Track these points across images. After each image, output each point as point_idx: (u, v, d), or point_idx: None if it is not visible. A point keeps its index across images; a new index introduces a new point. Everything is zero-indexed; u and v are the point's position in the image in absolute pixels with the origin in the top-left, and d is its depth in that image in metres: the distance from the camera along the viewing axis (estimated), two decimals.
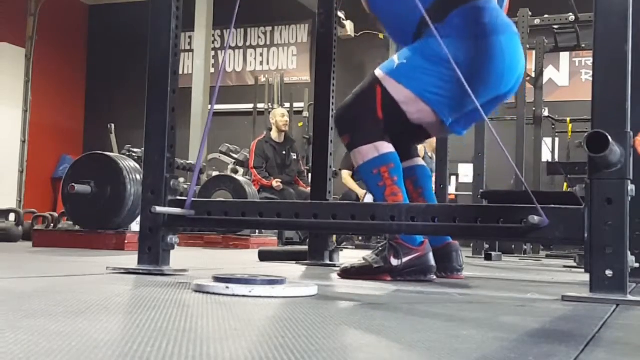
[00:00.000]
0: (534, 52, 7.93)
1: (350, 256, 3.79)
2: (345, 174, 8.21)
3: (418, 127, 2.56)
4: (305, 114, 10.30)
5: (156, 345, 0.94)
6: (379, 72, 2.56)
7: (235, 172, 7.90)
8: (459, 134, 2.63)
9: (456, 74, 2.23)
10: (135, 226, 4.28)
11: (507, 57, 2.47)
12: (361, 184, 8.05)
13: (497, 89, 2.49)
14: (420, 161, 2.85)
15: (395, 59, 2.55)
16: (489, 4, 2.51)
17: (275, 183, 7.56)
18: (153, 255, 2.26)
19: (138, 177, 4.23)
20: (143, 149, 2.38)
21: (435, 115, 2.49)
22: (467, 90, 2.22)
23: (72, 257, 3.44)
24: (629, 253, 1.75)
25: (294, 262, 3.38)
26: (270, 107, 10.49)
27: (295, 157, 8.02)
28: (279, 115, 8.01)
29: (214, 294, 1.64)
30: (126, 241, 4.22)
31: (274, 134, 7.95)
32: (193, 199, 2.30)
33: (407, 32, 2.55)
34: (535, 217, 1.84)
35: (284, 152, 7.91)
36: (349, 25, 10.11)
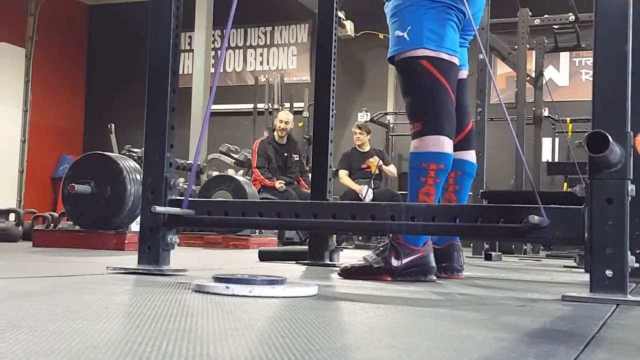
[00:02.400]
0: (534, 52, 7.93)
1: (350, 256, 3.79)
2: (342, 174, 8.20)
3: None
4: (305, 114, 10.31)
5: (156, 345, 0.94)
6: (407, 54, 2.54)
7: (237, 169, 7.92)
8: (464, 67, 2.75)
9: (443, 6, 2.50)
10: (135, 226, 4.28)
11: None
12: (359, 182, 8.06)
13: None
14: (473, 157, 2.84)
15: (398, 33, 2.55)
16: None
17: (279, 184, 7.54)
18: (153, 255, 2.26)
19: (138, 177, 4.23)
20: (143, 149, 2.38)
21: (440, 52, 2.54)
22: (454, 18, 2.52)
23: (72, 257, 3.44)
24: (629, 253, 1.75)
25: (294, 262, 3.38)
26: (271, 107, 10.51)
27: (297, 159, 8.01)
28: (278, 120, 8.00)
29: (214, 294, 1.64)
30: (126, 241, 4.22)
31: (276, 135, 7.96)
32: (193, 199, 2.30)
33: None
34: (535, 217, 1.84)
35: (286, 154, 7.91)
36: (349, 25, 10.11)
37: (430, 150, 2.47)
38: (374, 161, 8.04)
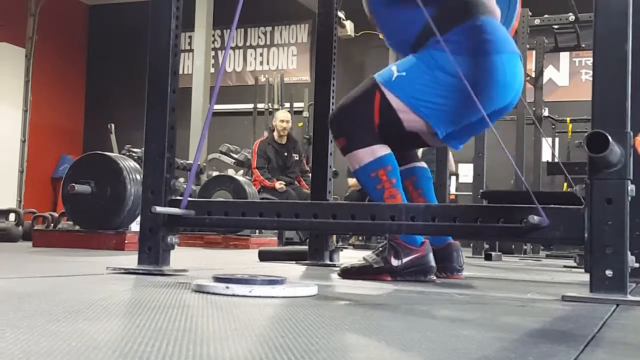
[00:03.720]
0: (534, 52, 7.92)
1: (350, 256, 3.79)
2: (352, 182, 8.15)
3: (414, 134, 2.53)
4: (305, 114, 10.30)
5: (156, 345, 0.94)
6: (379, 79, 2.53)
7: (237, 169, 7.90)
8: (456, 148, 2.66)
9: (453, 88, 2.36)
10: (135, 226, 4.28)
11: (508, 74, 2.46)
12: None
13: (495, 103, 2.47)
14: (420, 164, 2.85)
15: (394, 69, 2.51)
16: (491, 22, 2.51)
17: (279, 185, 7.55)
18: (153, 255, 2.26)
19: (138, 177, 4.23)
20: (143, 149, 2.38)
21: (428, 126, 2.48)
22: (462, 105, 2.35)
23: (72, 257, 3.44)
24: (629, 253, 1.75)
25: (294, 262, 3.38)
26: (271, 107, 10.51)
27: (297, 158, 8.01)
28: (279, 120, 8.00)
29: (214, 294, 1.64)
30: (126, 241, 4.21)
31: (276, 135, 7.97)
32: (193, 199, 2.30)
33: (406, 41, 2.55)
34: (535, 217, 1.84)
35: (286, 154, 7.91)
36: (349, 25, 10.11)
37: (369, 160, 2.47)
38: None
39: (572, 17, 7.30)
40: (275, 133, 8.00)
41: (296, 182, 7.96)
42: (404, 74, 2.48)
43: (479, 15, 2.49)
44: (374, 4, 2.69)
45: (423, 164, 2.86)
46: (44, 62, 12.00)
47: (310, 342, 1.02)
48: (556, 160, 7.53)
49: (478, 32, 2.46)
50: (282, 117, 8.04)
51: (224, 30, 12.68)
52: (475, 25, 2.46)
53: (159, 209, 2.19)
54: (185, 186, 2.31)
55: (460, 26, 2.45)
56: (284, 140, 7.96)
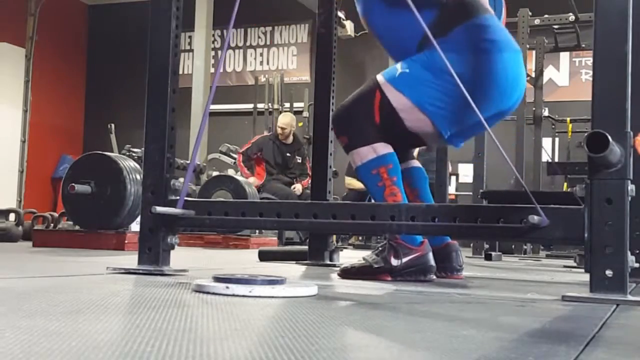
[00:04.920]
0: (534, 52, 7.93)
1: (350, 256, 3.79)
2: (351, 181, 8.16)
3: (414, 135, 2.54)
4: (305, 114, 10.31)
5: (156, 345, 0.94)
6: (380, 78, 2.54)
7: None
8: (457, 146, 2.66)
9: (458, 88, 2.29)
10: (135, 226, 4.27)
11: (510, 74, 2.48)
12: None
13: (499, 104, 2.49)
14: (416, 163, 2.84)
15: (397, 67, 2.53)
16: (491, 21, 2.52)
17: (253, 179, 7.51)
18: (153, 255, 2.26)
19: (138, 177, 4.23)
20: (143, 149, 2.38)
21: (433, 126, 2.49)
22: (467, 105, 2.32)
23: (72, 257, 3.44)
24: (629, 253, 1.75)
25: (294, 262, 3.38)
26: (271, 107, 10.52)
27: (300, 161, 8.01)
28: (277, 125, 8.03)
29: (214, 294, 1.64)
30: (126, 241, 4.21)
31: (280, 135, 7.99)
32: (194, 199, 2.29)
33: (408, 48, 2.54)
34: (535, 217, 1.84)
35: (289, 154, 7.91)
36: (349, 25, 10.10)
37: (371, 157, 2.49)
38: None
39: (572, 17, 7.30)
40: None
41: (295, 183, 7.96)
42: (407, 70, 2.50)
43: (479, 14, 2.50)
44: (371, 15, 2.67)
45: (418, 164, 2.86)
46: (44, 62, 12.00)
47: (310, 342, 1.02)
48: (548, 159, 7.54)
49: (480, 31, 2.47)
50: (280, 124, 8.01)
51: (224, 30, 12.68)
52: (477, 25, 2.48)
53: (159, 209, 2.19)
54: None
55: (462, 25, 2.46)
56: (289, 141, 7.96)
